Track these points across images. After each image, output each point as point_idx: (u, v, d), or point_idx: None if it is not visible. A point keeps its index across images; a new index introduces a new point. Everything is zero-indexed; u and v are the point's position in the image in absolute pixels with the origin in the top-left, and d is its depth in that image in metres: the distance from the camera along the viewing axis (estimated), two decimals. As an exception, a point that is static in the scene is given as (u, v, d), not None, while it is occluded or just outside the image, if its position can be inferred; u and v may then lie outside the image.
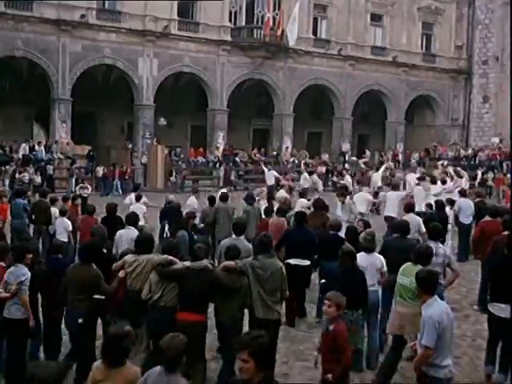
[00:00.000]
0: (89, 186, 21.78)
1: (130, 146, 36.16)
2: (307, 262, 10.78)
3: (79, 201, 15.51)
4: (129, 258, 7.97)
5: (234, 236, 10.00)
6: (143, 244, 7.98)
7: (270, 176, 29.27)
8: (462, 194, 17.26)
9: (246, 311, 8.05)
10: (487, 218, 12.58)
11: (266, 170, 30.56)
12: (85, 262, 7.91)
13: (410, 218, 12.10)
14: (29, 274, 7.81)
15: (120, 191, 31.53)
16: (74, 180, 30.38)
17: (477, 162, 38.42)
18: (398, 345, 8.08)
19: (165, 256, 7.78)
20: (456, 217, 16.43)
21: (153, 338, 7.50)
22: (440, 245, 9.54)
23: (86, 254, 8.02)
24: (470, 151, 41.41)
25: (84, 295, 7.69)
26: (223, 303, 7.73)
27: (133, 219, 10.82)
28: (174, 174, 34.30)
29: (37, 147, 32.40)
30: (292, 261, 10.62)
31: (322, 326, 6.54)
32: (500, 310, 7.96)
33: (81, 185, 22.70)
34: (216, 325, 7.96)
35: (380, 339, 9.10)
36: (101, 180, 32.30)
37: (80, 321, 7.60)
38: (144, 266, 7.75)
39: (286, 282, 8.02)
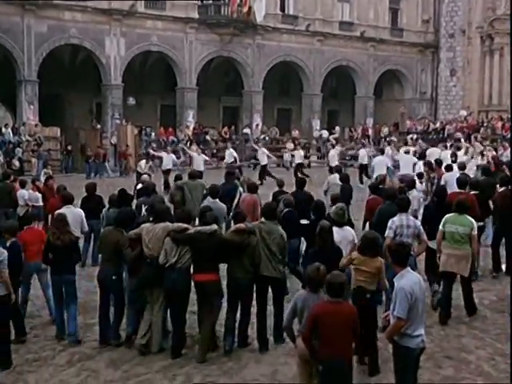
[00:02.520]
0: (50, 172, 21.75)
1: (99, 126, 35.82)
2: (305, 221, 11.01)
3: (51, 182, 15.52)
4: (146, 226, 8.62)
5: (210, 199, 11.78)
6: (160, 214, 8.74)
7: (263, 155, 27.92)
8: (448, 168, 16.87)
9: None
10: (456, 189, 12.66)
11: (257, 148, 29.29)
12: (118, 228, 8.91)
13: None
14: (5, 252, 7.92)
15: (110, 172, 31.75)
16: (42, 162, 29.97)
17: (445, 135, 38.72)
18: (449, 280, 9.68)
19: (178, 224, 8.47)
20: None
21: (171, 296, 8.40)
22: (410, 217, 9.70)
23: (120, 220, 9.04)
24: (438, 124, 41.73)
25: (115, 256, 8.69)
26: (237, 260, 8.39)
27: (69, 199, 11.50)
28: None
29: (4, 129, 31.93)
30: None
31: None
32: (432, 244, 9.91)
33: (44, 170, 22.58)
34: (230, 283, 8.51)
35: None
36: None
37: (114, 277, 8.70)
38: (159, 234, 8.39)
39: (286, 249, 8.77)
